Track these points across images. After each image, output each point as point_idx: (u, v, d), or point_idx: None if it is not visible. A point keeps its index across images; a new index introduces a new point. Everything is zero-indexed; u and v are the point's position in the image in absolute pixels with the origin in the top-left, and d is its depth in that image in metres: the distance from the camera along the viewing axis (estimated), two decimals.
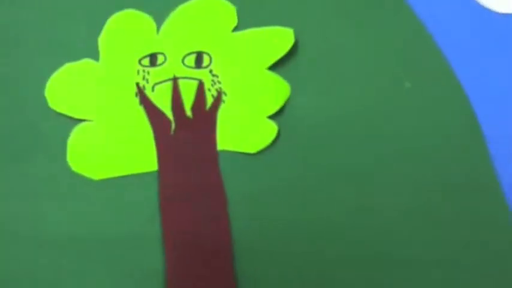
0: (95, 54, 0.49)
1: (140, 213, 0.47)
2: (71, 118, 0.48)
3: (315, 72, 0.49)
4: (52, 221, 0.47)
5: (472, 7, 0.50)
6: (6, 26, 0.50)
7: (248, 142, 0.48)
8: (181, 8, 0.50)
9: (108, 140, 0.48)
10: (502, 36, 0.50)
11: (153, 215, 0.47)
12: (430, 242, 0.46)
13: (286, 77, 0.49)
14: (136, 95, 0.49)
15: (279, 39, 0.49)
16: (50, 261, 0.47)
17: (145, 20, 0.50)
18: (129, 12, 0.50)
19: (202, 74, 0.49)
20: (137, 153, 0.48)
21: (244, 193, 0.47)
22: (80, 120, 0.48)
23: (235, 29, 0.50)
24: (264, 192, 0.47)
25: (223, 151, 0.48)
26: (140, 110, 0.48)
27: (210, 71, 0.49)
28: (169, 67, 0.49)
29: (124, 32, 0.50)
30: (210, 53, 0.49)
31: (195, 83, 0.49)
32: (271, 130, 0.48)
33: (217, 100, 0.48)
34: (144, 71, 0.49)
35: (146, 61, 0.49)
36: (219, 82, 0.49)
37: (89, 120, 0.48)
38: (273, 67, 0.49)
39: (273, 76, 0.49)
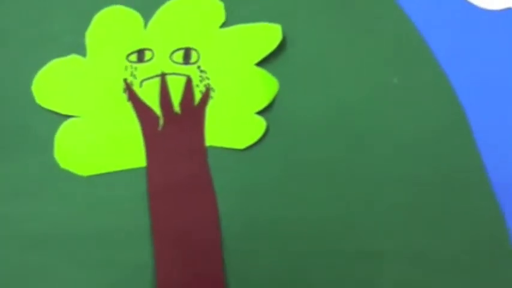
0: (82, 50, 0.49)
1: (129, 209, 0.47)
2: (58, 114, 0.48)
3: (303, 68, 0.49)
4: (40, 219, 0.47)
5: (459, 3, 0.51)
6: None
7: (236, 138, 0.48)
8: (169, 3, 0.50)
9: (96, 136, 0.48)
10: (490, 32, 0.50)
11: (142, 210, 0.47)
12: (418, 236, 0.47)
13: (274, 73, 0.49)
14: (124, 91, 0.48)
15: (267, 35, 0.49)
16: (38, 259, 0.46)
17: (133, 15, 0.50)
18: (117, 8, 0.50)
19: (191, 70, 0.49)
20: (125, 149, 0.48)
21: (232, 189, 0.47)
22: (68, 116, 0.48)
23: (223, 25, 0.50)
24: (252, 188, 0.47)
25: (212, 147, 0.48)
26: (128, 106, 0.48)
27: (198, 67, 0.49)
28: (157, 63, 0.49)
29: (111, 28, 0.49)
30: (198, 49, 0.49)
31: (183, 79, 0.49)
32: (259, 126, 0.48)
33: (206, 96, 0.48)
34: (131, 67, 0.49)
35: (134, 57, 0.49)
36: (207, 78, 0.49)
37: (77, 116, 0.48)
38: (261, 63, 0.49)
39: (261, 72, 0.49)
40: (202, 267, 0.46)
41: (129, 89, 0.48)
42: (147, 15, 0.50)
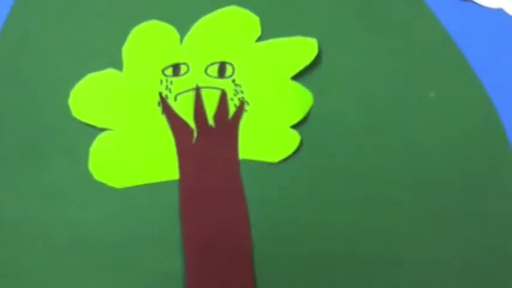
0: (118, 64, 0.50)
1: (160, 219, 0.47)
2: (94, 127, 0.49)
3: (338, 82, 0.49)
4: (71, 226, 0.47)
5: (498, 16, 0.50)
6: (32, 33, 0.51)
7: (270, 151, 0.47)
8: (204, 18, 0.50)
9: (130, 148, 0.48)
10: None
11: (174, 220, 0.46)
12: (455, 246, 0.46)
13: (309, 86, 0.48)
14: (158, 104, 0.49)
15: (302, 49, 0.49)
16: (68, 266, 0.46)
17: (169, 30, 0.50)
18: (153, 23, 0.50)
19: (225, 83, 0.49)
20: (159, 162, 0.48)
21: (265, 202, 0.47)
22: (103, 129, 0.48)
23: (259, 39, 0.50)
24: (285, 201, 0.47)
25: (245, 160, 0.47)
26: (162, 119, 0.48)
27: (233, 81, 0.49)
28: (192, 77, 0.49)
29: (147, 43, 0.50)
30: (233, 63, 0.49)
31: (217, 93, 0.49)
32: (293, 139, 0.47)
33: (240, 109, 0.48)
34: (167, 80, 0.49)
35: (169, 71, 0.49)
36: (242, 92, 0.48)
37: (112, 129, 0.48)
38: (296, 77, 0.49)
39: (296, 86, 0.48)
40: (233, 278, 0.45)
41: (163, 102, 0.49)
42: (182, 30, 0.50)
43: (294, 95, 0.48)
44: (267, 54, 0.49)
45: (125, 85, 0.49)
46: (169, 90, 0.49)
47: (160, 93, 0.49)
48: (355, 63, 0.49)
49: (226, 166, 0.47)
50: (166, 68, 0.49)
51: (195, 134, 0.48)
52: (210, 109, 0.48)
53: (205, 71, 0.49)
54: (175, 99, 0.49)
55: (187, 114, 0.48)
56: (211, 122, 0.48)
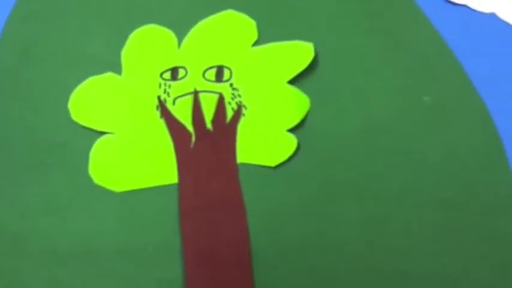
0: (117, 68, 0.50)
1: (160, 225, 0.47)
2: (93, 130, 0.49)
3: (335, 86, 0.49)
4: (70, 234, 0.47)
5: (491, 21, 0.50)
6: (31, 40, 0.52)
7: (268, 155, 0.48)
8: (202, 22, 0.51)
9: (130, 152, 0.49)
10: None
11: (173, 227, 0.47)
12: (455, 258, 0.46)
13: (306, 90, 0.49)
14: (157, 108, 0.49)
15: (299, 53, 0.49)
16: (67, 274, 0.46)
17: (167, 34, 0.51)
18: (151, 27, 0.51)
19: (223, 87, 0.49)
20: (158, 166, 0.48)
21: (263, 206, 0.47)
22: (102, 133, 0.49)
23: (256, 43, 0.50)
24: (283, 205, 0.47)
25: (243, 164, 0.48)
26: (161, 123, 0.49)
27: (231, 85, 0.49)
28: (190, 81, 0.50)
29: (146, 47, 0.51)
30: (231, 67, 0.50)
31: (215, 97, 0.49)
32: (290, 143, 0.48)
33: (238, 113, 0.49)
34: (165, 84, 0.50)
35: (168, 75, 0.50)
36: (239, 96, 0.49)
37: (111, 133, 0.49)
38: (293, 81, 0.49)
39: (293, 90, 0.49)
40: (232, 285, 0.46)
41: (162, 106, 0.49)
42: (180, 34, 0.50)
43: (291, 99, 0.49)
44: (264, 59, 0.50)
45: (124, 89, 0.50)
46: (168, 94, 0.49)
47: (158, 97, 0.49)
48: (351, 67, 0.50)
49: (225, 170, 0.48)
50: (164, 71, 0.50)
51: (193, 138, 0.48)
52: (208, 113, 0.49)
53: (203, 75, 0.50)
54: (173, 103, 0.49)
55: (185, 118, 0.49)
56: (209, 125, 0.49)
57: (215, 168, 0.48)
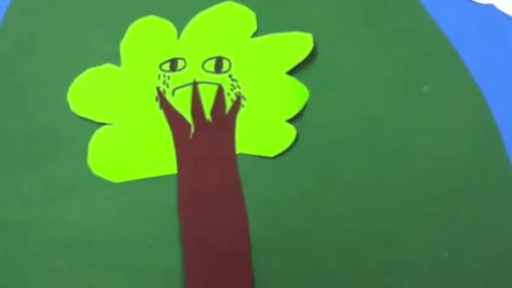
0: (116, 59, 0.50)
1: (159, 215, 0.47)
2: (92, 122, 0.49)
3: (334, 77, 0.49)
4: (69, 224, 0.47)
5: (489, 12, 0.50)
6: (30, 31, 0.52)
7: (267, 146, 0.48)
8: (201, 14, 0.51)
9: (129, 143, 0.49)
10: None
11: (172, 217, 0.47)
12: (451, 250, 0.46)
13: (304, 81, 0.49)
14: (156, 99, 0.49)
15: (298, 44, 0.50)
16: (66, 264, 0.47)
17: (166, 26, 0.51)
18: (151, 19, 0.51)
19: (222, 78, 0.49)
20: (157, 157, 0.48)
21: (262, 196, 0.47)
22: (101, 124, 0.49)
23: (255, 34, 0.50)
24: (281, 195, 0.47)
25: (242, 154, 0.48)
26: (160, 114, 0.49)
27: (230, 76, 0.49)
28: (190, 72, 0.50)
29: (145, 38, 0.51)
30: (230, 58, 0.50)
31: (214, 88, 0.49)
32: (289, 134, 0.48)
33: (237, 104, 0.49)
34: (164, 75, 0.50)
35: (167, 66, 0.50)
36: (239, 87, 0.49)
37: (110, 124, 0.49)
38: (292, 72, 0.49)
39: (292, 81, 0.49)
40: (231, 275, 0.46)
41: (161, 97, 0.49)
42: (180, 25, 0.50)
43: (290, 90, 0.49)
44: (263, 50, 0.50)
45: (123, 80, 0.50)
46: (167, 85, 0.49)
47: (158, 88, 0.49)
48: (350, 59, 0.50)
49: (224, 160, 0.48)
50: (163, 63, 0.50)
51: (193, 129, 0.49)
52: (207, 104, 0.49)
53: (203, 66, 0.50)
54: (172, 94, 0.49)
55: (184, 109, 0.49)
56: (208, 116, 0.49)
57: (214, 159, 0.48)
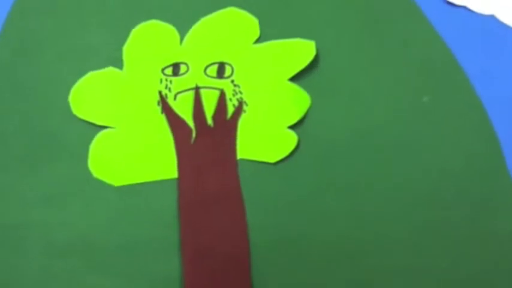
0: (118, 63, 0.50)
1: (159, 220, 0.47)
2: (93, 125, 0.49)
3: (335, 84, 0.50)
4: (69, 227, 0.47)
5: (491, 23, 0.51)
6: (32, 33, 0.52)
7: (268, 151, 0.48)
8: (204, 19, 0.51)
9: (130, 147, 0.49)
10: None
11: (172, 222, 0.47)
12: (451, 258, 0.46)
13: (306, 88, 0.49)
14: (158, 103, 0.49)
15: (300, 51, 0.50)
16: (65, 267, 0.46)
17: (169, 30, 0.51)
18: (154, 23, 0.51)
19: (224, 84, 0.50)
20: (158, 161, 0.48)
21: (262, 202, 0.47)
22: (103, 127, 0.49)
23: (257, 40, 0.50)
24: (281, 201, 0.47)
25: (243, 160, 0.48)
26: (162, 118, 0.49)
27: (232, 81, 0.50)
28: (192, 77, 0.50)
29: (148, 42, 0.51)
30: (232, 64, 0.50)
31: (216, 93, 0.49)
32: (291, 140, 0.48)
33: (238, 110, 0.49)
34: (166, 80, 0.50)
35: (169, 70, 0.50)
36: (241, 92, 0.49)
37: (111, 127, 0.49)
38: (294, 78, 0.50)
39: (294, 87, 0.49)
40: (230, 281, 0.46)
41: (163, 101, 0.49)
42: (183, 30, 0.51)
43: (292, 96, 0.49)
44: (266, 56, 0.50)
45: (125, 84, 0.50)
46: (169, 90, 0.50)
47: (160, 92, 0.50)
48: (351, 67, 0.50)
49: (225, 166, 0.48)
50: (166, 67, 0.50)
51: (194, 134, 0.49)
52: (209, 109, 0.49)
53: (205, 71, 0.50)
54: (174, 98, 0.49)
55: (186, 114, 0.49)
56: (210, 121, 0.49)
57: (215, 164, 0.48)
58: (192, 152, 0.48)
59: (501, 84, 0.49)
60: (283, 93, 0.49)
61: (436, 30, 0.51)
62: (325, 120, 0.49)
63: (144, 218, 0.47)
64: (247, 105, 0.49)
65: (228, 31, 0.51)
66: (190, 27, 0.51)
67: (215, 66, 0.50)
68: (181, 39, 0.51)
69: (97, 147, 0.49)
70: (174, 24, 0.51)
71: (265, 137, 0.48)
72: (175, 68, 0.50)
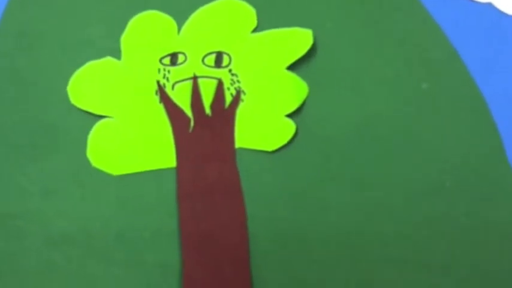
0: (116, 53, 0.50)
1: (158, 209, 0.47)
2: (92, 114, 0.49)
3: (333, 73, 0.50)
4: (68, 217, 0.47)
5: (488, 11, 0.51)
6: (30, 23, 0.52)
7: (266, 140, 0.48)
8: (202, 9, 0.51)
9: (128, 136, 0.49)
10: None
11: (171, 211, 0.47)
12: (447, 248, 0.46)
13: (304, 77, 0.49)
14: (156, 93, 0.49)
15: (298, 40, 0.50)
16: (64, 256, 0.47)
17: (167, 20, 0.51)
18: (151, 13, 0.51)
19: (222, 73, 0.50)
20: (156, 150, 0.48)
21: (261, 191, 0.48)
22: (101, 117, 0.49)
23: (255, 30, 0.50)
24: (280, 190, 0.48)
25: (241, 149, 0.48)
26: (160, 108, 0.49)
27: (230, 71, 0.50)
28: (190, 66, 0.50)
29: (146, 32, 0.51)
30: (230, 53, 0.50)
31: (214, 82, 0.49)
32: (289, 129, 0.48)
33: (236, 99, 0.49)
34: (165, 69, 0.50)
35: (167, 60, 0.50)
36: (238, 81, 0.49)
37: (110, 117, 0.49)
38: (292, 67, 0.50)
39: (292, 76, 0.49)
40: (229, 270, 0.46)
41: (161, 91, 0.49)
42: (180, 20, 0.51)
43: (290, 85, 0.49)
44: (263, 45, 0.50)
45: (123, 74, 0.50)
46: (167, 79, 0.50)
47: (158, 82, 0.50)
48: (349, 55, 0.50)
49: (223, 155, 0.48)
50: (164, 57, 0.50)
51: (192, 123, 0.49)
52: (207, 98, 0.49)
53: (203, 60, 0.50)
54: (172, 88, 0.49)
55: (184, 103, 0.49)
56: (208, 111, 0.49)
57: (213, 153, 0.48)
58: (190, 141, 0.48)
59: (499, 72, 0.49)
60: (281, 82, 0.49)
61: (433, 18, 0.51)
62: (323, 108, 0.49)
63: (143, 207, 0.48)
64: (245, 94, 0.49)
65: (226, 21, 0.51)
66: (187, 17, 0.51)
67: (213, 56, 0.50)
68: (179, 29, 0.51)
69: (96, 136, 0.49)
70: (172, 14, 0.51)
71: (263, 125, 0.49)
72: (173, 57, 0.50)
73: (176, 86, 0.49)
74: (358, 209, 0.47)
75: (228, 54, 0.50)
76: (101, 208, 0.48)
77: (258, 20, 0.51)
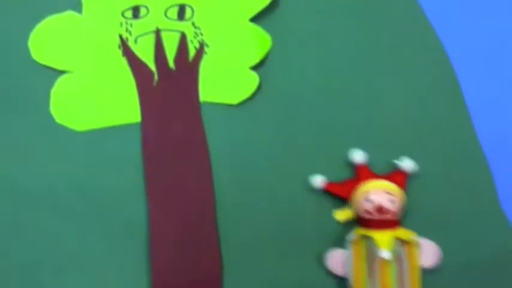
0: (78, 7, 0.50)
1: (124, 165, 0.47)
2: (54, 70, 0.49)
3: (297, 26, 0.49)
4: (34, 176, 0.47)
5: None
6: None
7: (230, 93, 0.48)
8: None
9: (91, 91, 0.48)
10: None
11: (137, 168, 0.47)
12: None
13: (267, 29, 0.49)
14: (119, 46, 0.49)
15: None
16: (31, 214, 0.47)
17: None
18: None
19: (185, 26, 0.49)
20: (120, 105, 0.48)
21: (225, 144, 0.48)
22: (64, 72, 0.49)
23: None
24: (245, 143, 0.48)
25: (206, 103, 0.48)
26: (123, 62, 0.49)
27: (193, 23, 0.49)
28: (152, 19, 0.49)
29: None
30: (193, 5, 0.49)
31: (177, 35, 0.49)
32: (253, 80, 0.48)
33: (200, 52, 0.49)
34: (127, 23, 0.49)
35: (129, 13, 0.49)
36: (202, 34, 0.49)
37: (73, 72, 0.49)
38: (255, 20, 0.49)
39: (255, 28, 0.49)
40: (196, 223, 0.46)
41: (124, 44, 0.49)
42: None
43: (253, 37, 0.49)
44: None
45: (85, 27, 0.49)
46: (130, 33, 0.49)
47: (120, 36, 0.49)
48: (313, 7, 0.50)
49: (188, 109, 0.48)
50: (126, 10, 0.49)
51: (156, 77, 0.48)
52: (171, 52, 0.49)
53: (165, 13, 0.49)
54: (135, 41, 0.49)
55: (147, 57, 0.49)
56: (171, 64, 0.49)
57: (178, 107, 0.48)
58: (154, 95, 0.48)
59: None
60: (244, 34, 0.49)
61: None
62: (286, 62, 0.49)
63: (109, 163, 0.48)
64: (208, 46, 0.49)
65: None
66: None
67: (175, 8, 0.49)
68: None
69: (58, 92, 0.48)
70: None
71: (227, 78, 0.48)
72: (135, 10, 0.49)
73: (139, 39, 0.49)
74: (323, 158, 0.47)
75: (190, 7, 0.49)
76: (66, 165, 0.48)
77: None
